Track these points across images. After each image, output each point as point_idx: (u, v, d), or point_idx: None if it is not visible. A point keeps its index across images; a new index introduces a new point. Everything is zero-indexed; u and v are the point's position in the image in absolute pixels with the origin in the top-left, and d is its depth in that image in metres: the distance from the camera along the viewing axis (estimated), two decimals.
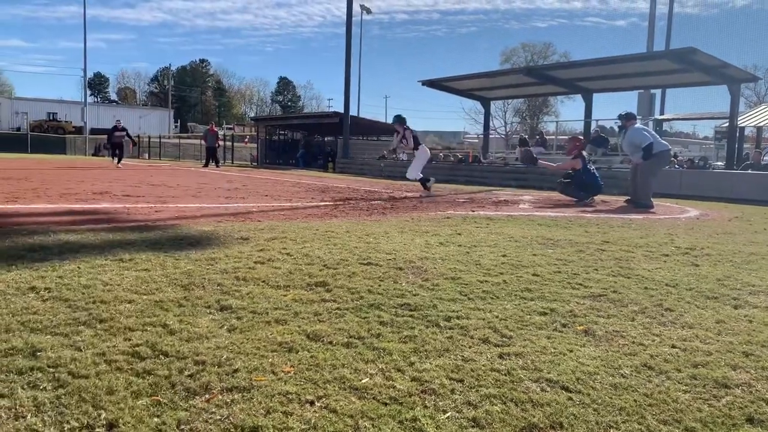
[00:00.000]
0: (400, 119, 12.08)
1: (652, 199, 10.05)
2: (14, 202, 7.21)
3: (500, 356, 2.27)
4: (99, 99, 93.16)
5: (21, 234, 4.57)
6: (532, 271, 3.84)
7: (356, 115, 34.62)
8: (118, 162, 22.88)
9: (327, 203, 8.83)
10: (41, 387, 1.83)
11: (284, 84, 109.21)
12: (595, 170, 11.14)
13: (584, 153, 11.23)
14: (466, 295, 3.16)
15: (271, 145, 38.05)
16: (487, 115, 27.16)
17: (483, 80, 23.03)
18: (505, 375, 2.08)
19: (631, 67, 18.01)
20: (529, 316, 2.82)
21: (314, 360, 2.15)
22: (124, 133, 23.96)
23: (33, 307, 2.64)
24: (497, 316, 2.79)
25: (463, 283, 3.43)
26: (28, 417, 1.64)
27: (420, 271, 3.75)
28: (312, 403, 1.80)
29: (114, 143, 23.82)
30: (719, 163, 18.24)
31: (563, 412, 1.80)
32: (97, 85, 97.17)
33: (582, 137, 11.85)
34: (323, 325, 2.55)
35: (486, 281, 3.51)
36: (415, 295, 3.12)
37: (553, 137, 24.92)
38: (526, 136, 27.14)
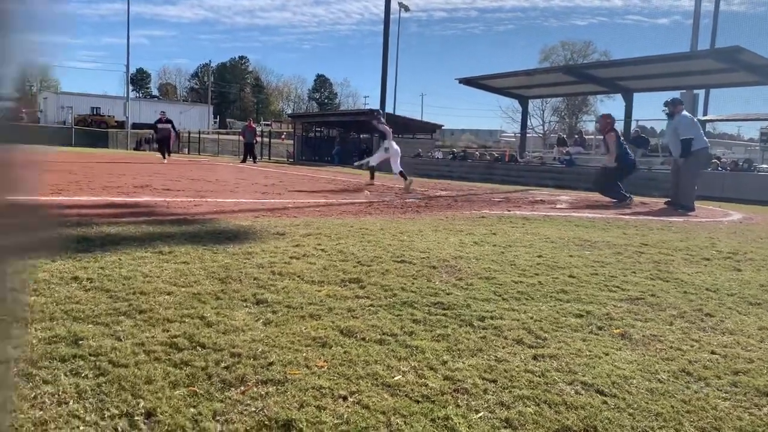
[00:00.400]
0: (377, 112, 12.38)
1: (694, 203, 9.70)
2: (58, 194, 7.42)
3: (534, 357, 2.25)
4: (141, 94, 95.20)
5: (65, 226, 4.70)
6: (569, 273, 3.80)
7: (392, 112, 34.65)
8: (166, 156, 22.51)
9: (362, 200, 8.86)
10: (83, 374, 1.89)
11: (321, 81, 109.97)
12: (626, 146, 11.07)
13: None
14: (500, 296, 3.14)
15: (307, 141, 38.36)
16: (525, 114, 26.90)
17: (521, 78, 22.79)
18: (539, 376, 2.06)
19: (673, 66, 17.61)
20: (564, 318, 2.79)
21: (347, 356, 2.17)
22: (169, 125, 23.17)
23: (76, 297, 2.72)
24: (532, 317, 2.77)
25: (498, 283, 3.41)
26: (71, 403, 1.69)
27: (454, 270, 3.74)
28: (345, 398, 1.81)
29: (159, 138, 23.35)
30: (765, 166, 17.71)
31: (597, 415, 1.78)
32: (139, 80, 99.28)
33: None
34: (357, 322, 2.57)
35: (521, 282, 3.49)
36: (448, 294, 3.11)
37: (592, 137, 24.53)
38: (565, 136, 26.77)
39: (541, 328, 2.61)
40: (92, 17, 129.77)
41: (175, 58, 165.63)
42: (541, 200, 10.68)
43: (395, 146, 12.25)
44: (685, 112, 9.92)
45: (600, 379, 2.05)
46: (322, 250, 4.19)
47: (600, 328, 2.67)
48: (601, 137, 11.26)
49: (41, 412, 1.62)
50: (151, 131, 24.46)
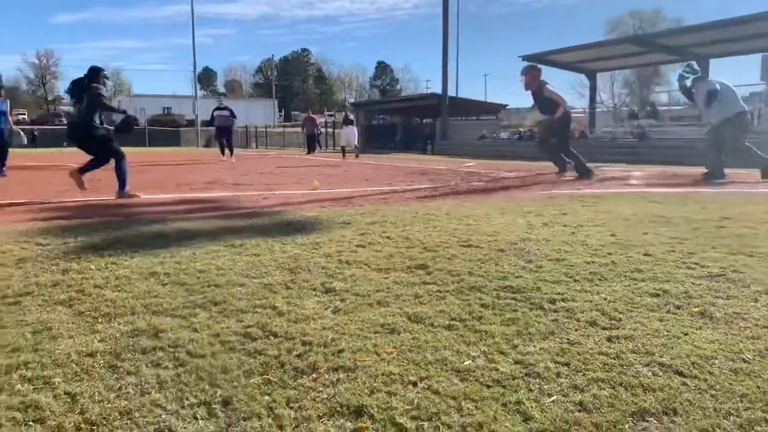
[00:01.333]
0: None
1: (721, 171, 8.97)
2: (144, 193, 7.75)
3: (608, 339, 2.19)
4: (208, 92, 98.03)
5: (142, 223, 4.92)
6: (643, 251, 3.66)
7: (454, 95, 34.26)
8: (225, 153, 18.95)
9: (426, 186, 8.84)
10: (163, 365, 1.97)
11: (382, 68, 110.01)
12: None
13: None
14: (571, 277, 3.07)
15: (369, 129, 38.52)
16: (593, 88, 26.05)
17: (587, 52, 22.05)
18: (614, 359, 2.00)
19: (755, 27, 16.56)
20: (639, 298, 2.70)
21: (416, 342, 2.17)
22: (228, 112, 19.10)
23: (154, 291, 2.84)
24: (605, 298, 2.69)
25: (569, 265, 3.33)
26: (152, 393, 1.77)
27: (522, 252, 3.68)
28: (415, 384, 1.82)
29: (220, 127, 19.25)
30: None
31: (677, 397, 1.71)
32: (206, 79, 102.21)
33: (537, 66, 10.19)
34: (424, 308, 2.57)
35: (593, 262, 3.39)
36: (517, 277, 3.06)
37: (666, 108, 23.49)
38: (636, 109, 25.74)
39: (616, 309, 2.53)
40: (158, 20, 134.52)
41: (238, 54, 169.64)
42: (612, 177, 10.34)
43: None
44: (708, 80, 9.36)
45: (679, 360, 1.97)
46: (388, 237, 4.21)
47: (678, 307, 2.56)
48: (533, 95, 9.94)
49: (126, 402, 1.71)
50: (211, 126, 20.60)
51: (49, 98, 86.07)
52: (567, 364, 1.96)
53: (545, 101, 9.78)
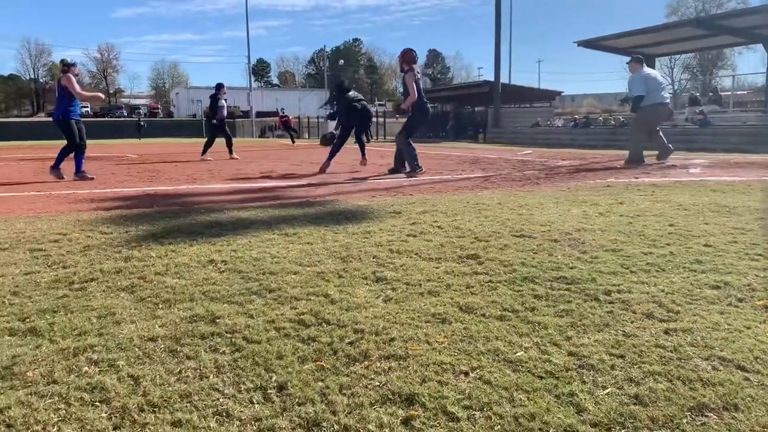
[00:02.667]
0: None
1: (643, 155, 9.98)
2: (193, 183, 7.98)
3: (666, 332, 2.13)
4: (262, 84, 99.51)
5: (200, 212, 5.06)
6: (704, 242, 3.54)
7: (507, 82, 33.75)
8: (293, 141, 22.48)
9: (478, 175, 8.76)
10: (221, 351, 2.03)
11: (433, 56, 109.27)
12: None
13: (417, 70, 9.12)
14: (627, 268, 3.00)
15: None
16: None
17: (646, 36, 21.32)
18: (671, 352, 1.95)
19: None
20: (699, 290, 2.61)
21: (467, 332, 2.17)
22: (288, 117, 23.57)
23: (212, 279, 2.93)
24: (663, 290, 2.62)
25: (625, 255, 3.26)
26: (211, 377, 1.83)
27: (577, 242, 3.61)
28: (466, 373, 1.82)
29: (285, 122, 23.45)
30: None
31: (738, 392, 1.66)
32: (260, 70, 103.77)
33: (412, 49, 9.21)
34: (476, 298, 2.56)
35: (650, 253, 3.30)
36: (571, 268, 3.01)
37: (729, 93, 22.53)
38: (698, 94, 24.80)
39: (674, 301, 2.46)
40: (213, 12, 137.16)
41: (291, 46, 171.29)
42: (672, 165, 10.00)
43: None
44: (641, 71, 9.98)
45: (741, 354, 1.91)
46: (439, 227, 4.20)
47: (740, 300, 2.47)
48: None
49: (185, 386, 1.77)
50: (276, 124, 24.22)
51: (111, 91, 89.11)
52: (622, 357, 1.92)
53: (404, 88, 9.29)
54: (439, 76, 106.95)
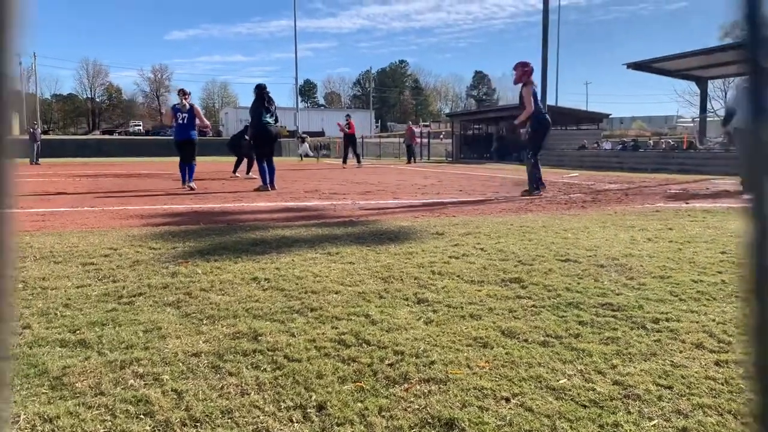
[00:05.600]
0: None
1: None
2: (239, 201, 8.13)
3: (716, 363, 2.06)
4: (308, 104, 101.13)
5: (245, 230, 5.14)
6: None
7: (554, 104, 33.44)
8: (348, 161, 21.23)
9: (522, 197, 8.67)
10: (262, 368, 2.05)
11: (479, 78, 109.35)
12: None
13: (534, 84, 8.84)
14: (677, 296, 2.91)
15: (465, 139, 38.29)
16: (704, 96, 24.60)
17: (698, 58, 20.85)
18: (722, 384, 1.88)
19: None
20: None
21: (509, 357, 2.14)
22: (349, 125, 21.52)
23: (255, 296, 2.97)
24: (714, 320, 2.53)
25: (674, 283, 3.16)
26: (252, 394, 1.85)
27: (624, 268, 3.53)
28: (507, 399, 1.79)
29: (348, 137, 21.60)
30: None
31: None
32: (306, 91, 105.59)
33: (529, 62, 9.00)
34: (518, 323, 2.52)
35: (701, 281, 3.20)
36: (618, 295, 2.94)
37: None
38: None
39: (725, 332, 2.38)
40: (263, 35, 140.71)
41: (337, 67, 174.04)
42: (725, 190, 9.71)
43: None
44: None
45: None
46: (482, 249, 4.16)
47: None
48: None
49: (227, 402, 1.79)
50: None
51: (163, 110, 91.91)
52: (670, 388, 1.86)
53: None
54: (484, 97, 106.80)
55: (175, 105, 10.81)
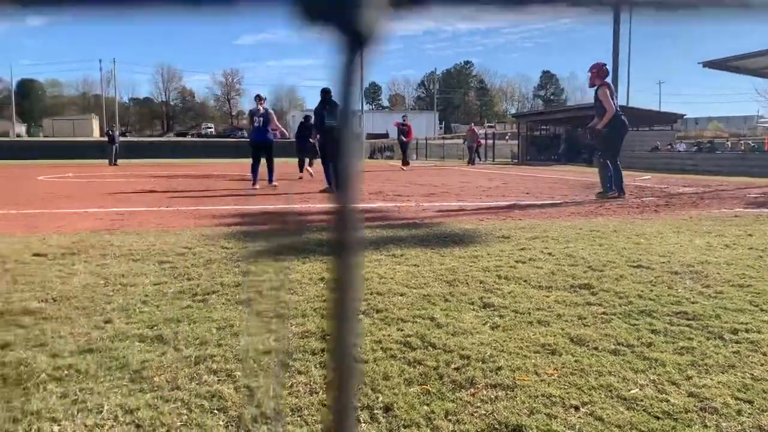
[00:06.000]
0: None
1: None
2: (306, 202, 8.28)
3: None
4: (373, 106, 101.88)
5: (312, 231, 5.24)
6: None
7: (625, 104, 32.41)
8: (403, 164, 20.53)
9: (591, 200, 8.45)
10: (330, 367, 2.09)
11: (547, 78, 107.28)
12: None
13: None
14: (757, 306, 2.78)
15: (532, 141, 37.63)
16: None
17: None
18: None
19: None
20: None
21: (579, 365, 2.10)
22: (407, 127, 20.77)
23: (322, 296, 3.02)
24: None
25: (754, 292, 3.02)
26: (320, 393, 1.89)
27: (700, 276, 3.39)
28: (577, 408, 1.76)
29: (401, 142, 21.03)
30: None
31: None
32: (371, 93, 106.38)
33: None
34: (588, 330, 2.47)
35: None
36: (693, 303, 2.84)
37: None
38: None
39: None
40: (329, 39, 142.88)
41: (402, 69, 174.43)
42: None
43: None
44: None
45: None
46: (549, 253, 4.09)
47: None
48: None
49: (296, 400, 1.84)
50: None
51: (233, 113, 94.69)
52: (750, 402, 1.78)
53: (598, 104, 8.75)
54: (552, 97, 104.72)
55: (251, 109, 11.51)
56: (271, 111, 11.43)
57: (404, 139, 20.86)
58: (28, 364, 2.13)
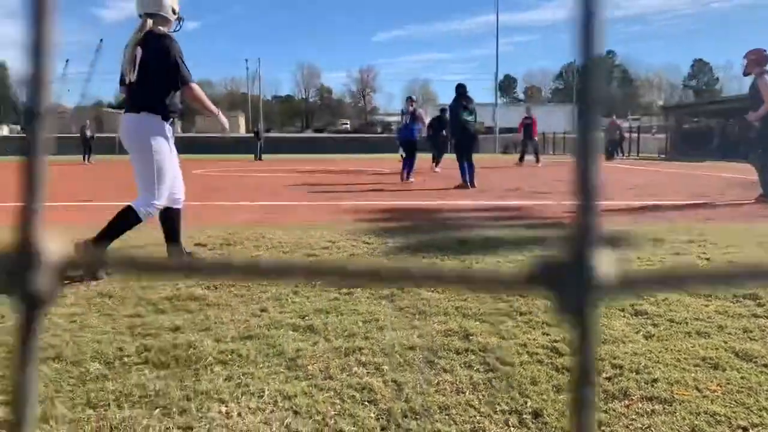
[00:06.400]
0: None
1: None
2: (442, 199, 8.32)
3: None
4: (507, 100, 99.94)
5: (450, 228, 5.26)
6: None
7: None
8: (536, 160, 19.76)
9: (752, 202, 7.72)
10: (475, 368, 2.10)
11: (699, 66, 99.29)
12: None
13: None
14: None
15: (682, 134, 35.06)
16: None
17: None
18: None
19: None
20: None
21: (745, 382, 1.94)
22: (531, 121, 19.85)
23: (463, 295, 3.02)
24: None
25: None
26: (467, 393, 1.90)
27: None
28: (745, 429, 1.64)
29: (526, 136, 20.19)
30: None
31: None
32: (506, 86, 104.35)
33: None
34: (755, 344, 2.28)
35: None
36: None
37: None
38: None
39: None
40: (462, 32, 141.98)
41: (538, 60, 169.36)
42: None
43: None
44: None
45: None
46: (707, 258, 3.81)
47: None
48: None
49: (443, 398, 1.86)
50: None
51: (368, 109, 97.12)
52: None
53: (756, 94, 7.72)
54: (704, 88, 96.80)
55: (402, 108, 12.58)
56: (420, 111, 12.35)
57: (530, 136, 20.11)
58: (196, 347, 2.34)
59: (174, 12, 3.79)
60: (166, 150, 3.69)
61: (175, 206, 3.85)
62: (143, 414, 1.79)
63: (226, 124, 4.15)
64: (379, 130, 73.00)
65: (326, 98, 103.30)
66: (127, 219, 3.59)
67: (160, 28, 3.68)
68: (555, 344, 2.30)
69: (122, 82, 3.74)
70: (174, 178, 3.78)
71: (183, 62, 3.64)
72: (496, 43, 49.44)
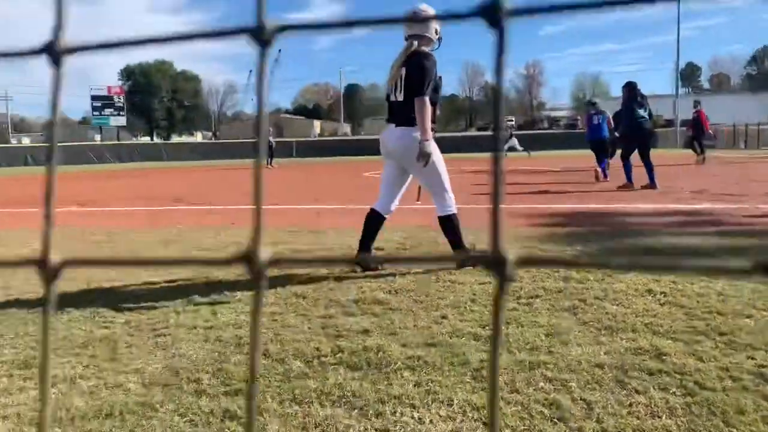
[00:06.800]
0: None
1: None
2: (618, 202, 7.90)
3: None
4: (690, 90, 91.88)
5: (631, 235, 5.00)
6: None
7: None
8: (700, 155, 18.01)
9: None
10: (671, 391, 2.00)
11: None
12: None
13: None
14: None
15: None
16: None
17: None
18: None
19: None
20: None
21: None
22: (698, 115, 18.27)
23: (652, 310, 2.88)
24: None
25: None
26: (663, 418, 1.82)
27: None
28: None
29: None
30: None
31: None
32: (688, 75, 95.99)
33: None
34: None
35: None
36: None
37: None
38: None
39: None
40: (636, 20, 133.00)
41: (728, 45, 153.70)
42: None
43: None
44: None
45: None
46: None
47: None
48: None
49: (638, 421, 1.81)
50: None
51: (534, 104, 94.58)
52: None
53: None
54: None
55: (590, 111, 12.73)
56: (608, 113, 12.49)
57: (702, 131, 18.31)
58: (384, 351, 2.48)
59: (436, 32, 4.06)
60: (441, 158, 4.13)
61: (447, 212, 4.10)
62: (343, 414, 1.94)
63: (428, 150, 3.97)
64: (545, 125, 70.87)
65: (490, 96, 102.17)
66: (456, 224, 4.05)
67: (423, 48, 3.97)
68: (762, 369, 2.12)
69: (387, 98, 4.14)
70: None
71: (429, 77, 3.89)
72: (677, 29, 45.65)
